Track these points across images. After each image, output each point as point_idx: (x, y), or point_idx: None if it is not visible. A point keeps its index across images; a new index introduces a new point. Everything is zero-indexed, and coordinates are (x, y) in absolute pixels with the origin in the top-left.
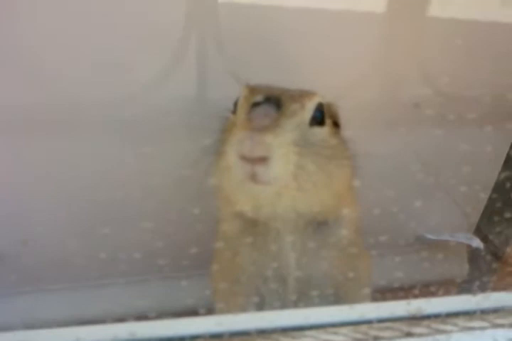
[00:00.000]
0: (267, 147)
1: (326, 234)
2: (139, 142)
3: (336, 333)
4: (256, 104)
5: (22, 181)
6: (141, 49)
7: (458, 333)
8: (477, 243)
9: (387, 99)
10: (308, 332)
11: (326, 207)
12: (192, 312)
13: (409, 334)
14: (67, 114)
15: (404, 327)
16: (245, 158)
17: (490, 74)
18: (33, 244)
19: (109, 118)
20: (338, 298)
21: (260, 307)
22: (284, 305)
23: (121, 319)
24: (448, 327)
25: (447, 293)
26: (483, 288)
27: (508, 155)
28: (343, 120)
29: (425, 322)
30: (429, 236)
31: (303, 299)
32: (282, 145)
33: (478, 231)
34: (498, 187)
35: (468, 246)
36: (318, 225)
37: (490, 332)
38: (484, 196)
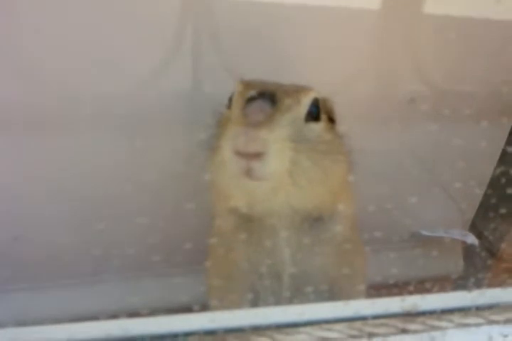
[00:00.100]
0: (262, 142)
1: (322, 230)
2: (133, 137)
3: (330, 330)
4: (251, 100)
5: (14, 178)
6: (136, 43)
7: (453, 329)
8: (472, 239)
9: (383, 94)
10: (302, 329)
11: (322, 202)
12: (186, 309)
13: (404, 331)
14: (60, 109)
15: (399, 324)
16: (240, 154)
17: (484, 70)
18: (25, 241)
19: (103, 112)
20: (332, 295)
21: (255, 303)
22: (278, 302)
23: (114, 316)
24: (443, 324)
25: (442, 289)
26: (478, 285)
27: (503, 150)
28: (338, 116)
29: (420, 319)
30: (424, 232)
31: (297, 295)
32: (277, 141)
33: (474, 228)
34: (494, 183)
35: (464, 243)
36: (314, 221)
37: (485, 328)
38: (479, 192)
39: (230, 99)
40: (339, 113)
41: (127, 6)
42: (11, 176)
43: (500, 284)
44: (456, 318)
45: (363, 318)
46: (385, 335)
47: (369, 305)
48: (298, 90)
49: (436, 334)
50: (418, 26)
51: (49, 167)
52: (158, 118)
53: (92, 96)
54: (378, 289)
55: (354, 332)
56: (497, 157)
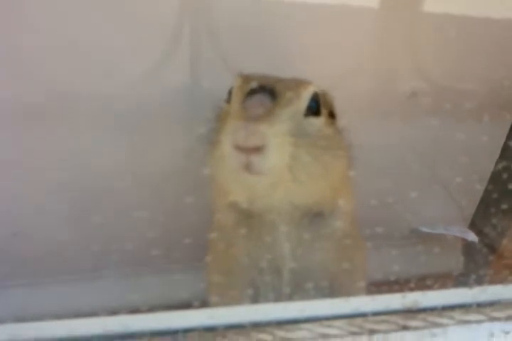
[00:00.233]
0: (262, 136)
1: (322, 225)
2: (133, 132)
3: (330, 326)
4: (250, 94)
5: (13, 174)
6: (135, 39)
7: (454, 326)
8: (472, 236)
9: (383, 89)
10: (303, 325)
11: (322, 198)
12: (186, 305)
13: (405, 328)
14: (58, 104)
15: (400, 321)
16: (240, 148)
17: (485, 66)
18: (24, 237)
19: (102, 108)
20: (333, 291)
21: (255, 299)
22: (278, 298)
23: (113, 312)
24: (444, 321)
25: (443, 286)
26: (479, 281)
27: (504, 146)
28: (338, 110)
29: (421, 316)
30: (424, 229)
31: (298, 291)
32: (277, 135)
33: (474, 224)
34: (495, 179)
35: (464, 239)
36: (314, 216)
37: (486, 325)
38: (480, 188)
39: (230, 93)
40: (339, 108)
41: (126, 2)
42: (10, 173)
43: (502, 281)
44: (457, 315)
45: (363, 315)
46: (385, 332)
47: (370, 301)
48: (298, 84)
49: (437, 331)
50: (418, 22)
51: (48, 163)
52: (157, 113)
53: (91, 92)
54: (379, 286)
55: (355, 329)
56: (498, 153)
